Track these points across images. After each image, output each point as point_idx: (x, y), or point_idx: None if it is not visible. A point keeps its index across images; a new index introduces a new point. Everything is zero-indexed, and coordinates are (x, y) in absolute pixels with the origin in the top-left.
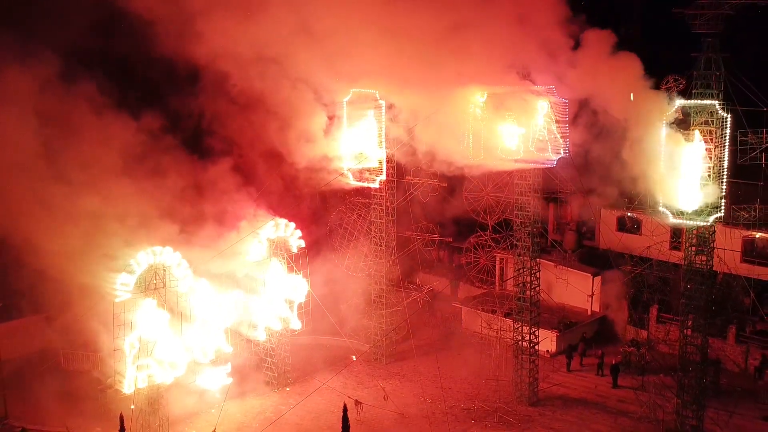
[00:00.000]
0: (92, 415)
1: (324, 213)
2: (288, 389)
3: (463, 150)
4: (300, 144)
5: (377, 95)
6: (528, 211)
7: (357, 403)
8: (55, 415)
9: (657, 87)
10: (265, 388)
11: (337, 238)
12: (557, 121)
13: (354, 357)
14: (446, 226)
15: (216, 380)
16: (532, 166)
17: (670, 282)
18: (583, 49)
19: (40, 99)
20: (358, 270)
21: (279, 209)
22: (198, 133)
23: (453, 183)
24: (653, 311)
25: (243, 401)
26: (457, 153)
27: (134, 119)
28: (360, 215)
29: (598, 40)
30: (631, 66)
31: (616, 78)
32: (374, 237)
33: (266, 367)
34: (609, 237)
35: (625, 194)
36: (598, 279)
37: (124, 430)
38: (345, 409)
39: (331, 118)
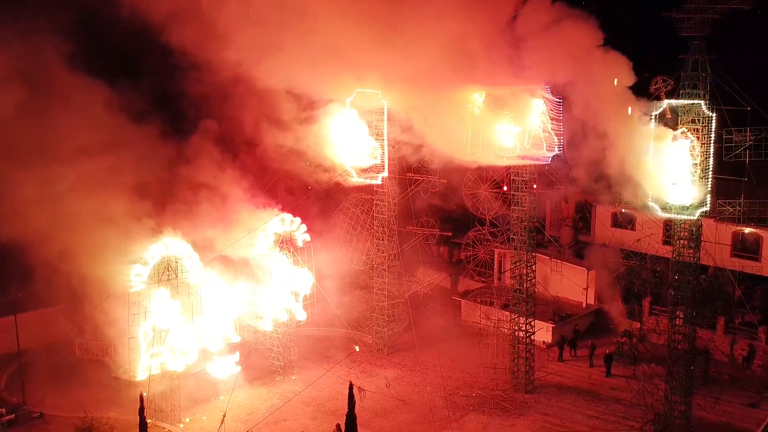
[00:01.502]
0: (106, 401)
1: (329, 209)
2: (294, 377)
3: (462, 146)
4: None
5: (380, 95)
6: (524, 207)
7: (360, 390)
8: (70, 401)
9: (647, 87)
10: (272, 376)
11: (341, 233)
12: (552, 120)
13: (357, 347)
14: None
15: (225, 368)
16: (528, 162)
17: (658, 274)
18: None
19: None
20: (361, 263)
21: (285, 205)
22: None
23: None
24: (645, 304)
25: (251, 388)
26: (456, 149)
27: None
28: (363, 211)
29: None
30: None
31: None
32: (376, 232)
33: (272, 356)
34: (604, 232)
35: (616, 190)
36: (592, 273)
37: (144, 409)
38: (351, 387)
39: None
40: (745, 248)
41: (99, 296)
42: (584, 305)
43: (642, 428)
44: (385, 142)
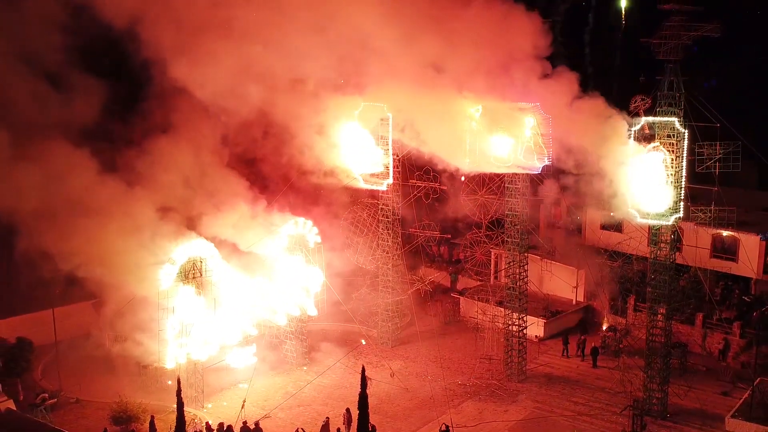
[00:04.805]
0: (135, 388)
1: (338, 212)
2: (305, 368)
3: (460, 155)
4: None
5: (385, 108)
6: (517, 211)
7: (367, 379)
8: (102, 388)
9: (627, 106)
10: (286, 366)
11: (349, 235)
12: (542, 134)
13: (363, 341)
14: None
15: (243, 359)
16: (520, 171)
17: (638, 274)
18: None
19: None
20: (368, 263)
21: (298, 209)
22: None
23: None
24: (630, 301)
25: (267, 378)
26: (455, 158)
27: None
28: (369, 214)
29: None
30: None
31: None
32: (382, 234)
33: (286, 348)
34: (593, 235)
35: (603, 197)
36: (582, 272)
37: (181, 391)
38: (363, 370)
39: None
40: (724, 250)
41: (130, 291)
42: (574, 302)
43: (621, 413)
44: (390, 151)
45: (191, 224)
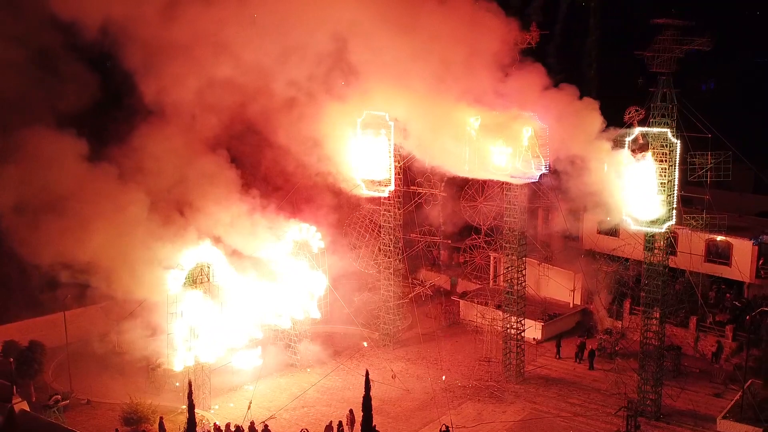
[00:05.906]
0: (144, 390)
1: (341, 218)
2: (309, 370)
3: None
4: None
5: (387, 117)
6: (515, 218)
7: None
8: (111, 390)
9: (621, 117)
10: (291, 368)
11: (352, 240)
12: (539, 144)
13: (365, 343)
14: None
15: (249, 361)
16: (518, 180)
17: (632, 279)
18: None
19: None
20: (370, 267)
21: (302, 214)
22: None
23: None
24: (626, 304)
25: (272, 379)
26: (455, 166)
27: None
28: (371, 220)
29: None
30: None
31: None
32: (384, 239)
33: (290, 350)
34: (590, 239)
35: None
36: (579, 276)
37: (192, 393)
38: (367, 373)
39: None
40: (718, 254)
41: (139, 296)
42: (571, 305)
43: (616, 414)
44: (392, 159)
45: (187, 224)
